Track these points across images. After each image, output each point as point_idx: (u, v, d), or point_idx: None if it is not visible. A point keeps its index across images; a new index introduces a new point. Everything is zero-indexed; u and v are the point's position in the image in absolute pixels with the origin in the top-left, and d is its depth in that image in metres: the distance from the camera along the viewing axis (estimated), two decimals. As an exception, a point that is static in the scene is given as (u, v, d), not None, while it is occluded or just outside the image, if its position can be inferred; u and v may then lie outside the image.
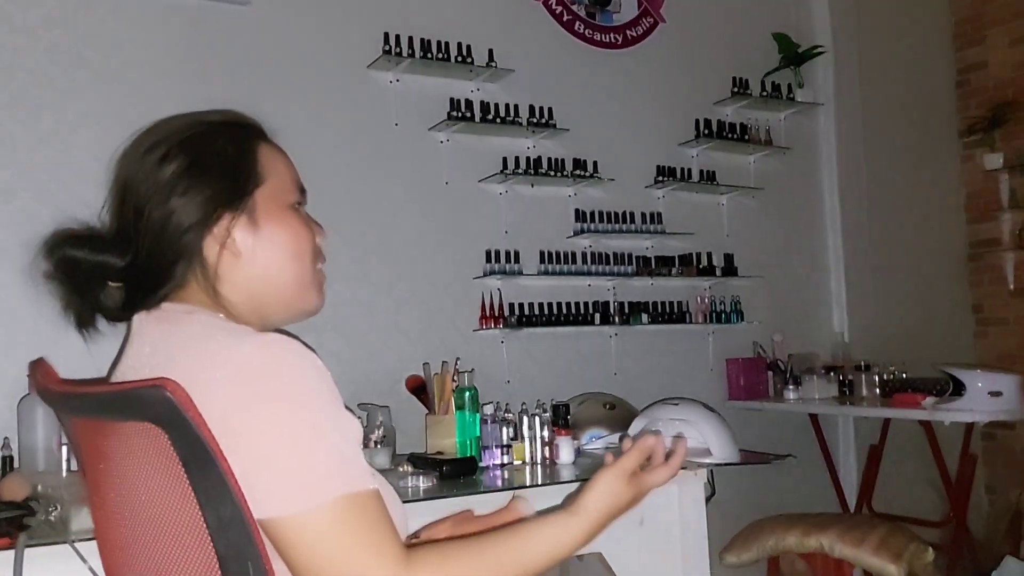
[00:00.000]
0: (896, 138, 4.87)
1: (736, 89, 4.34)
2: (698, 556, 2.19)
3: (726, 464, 2.26)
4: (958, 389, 3.31)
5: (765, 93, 4.41)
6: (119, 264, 1.10)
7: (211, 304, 1.11)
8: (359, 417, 2.52)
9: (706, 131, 4.23)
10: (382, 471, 1.98)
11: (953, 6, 5.21)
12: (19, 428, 2.35)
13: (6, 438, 2.46)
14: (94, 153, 2.85)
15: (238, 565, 0.94)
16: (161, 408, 0.93)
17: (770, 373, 4.28)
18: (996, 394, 3.22)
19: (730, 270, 4.24)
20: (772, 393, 4.26)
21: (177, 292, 1.11)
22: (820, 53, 4.54)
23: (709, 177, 4.25)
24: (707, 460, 2.24)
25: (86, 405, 1.10)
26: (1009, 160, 4.83)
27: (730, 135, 4.29)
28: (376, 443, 2.08)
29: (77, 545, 1.57)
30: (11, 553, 1.55)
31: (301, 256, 1.17)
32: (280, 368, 0.96)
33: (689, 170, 4.20)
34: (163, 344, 1.04)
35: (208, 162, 1.12)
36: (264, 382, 0.95)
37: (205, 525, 0.95)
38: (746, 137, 4.34)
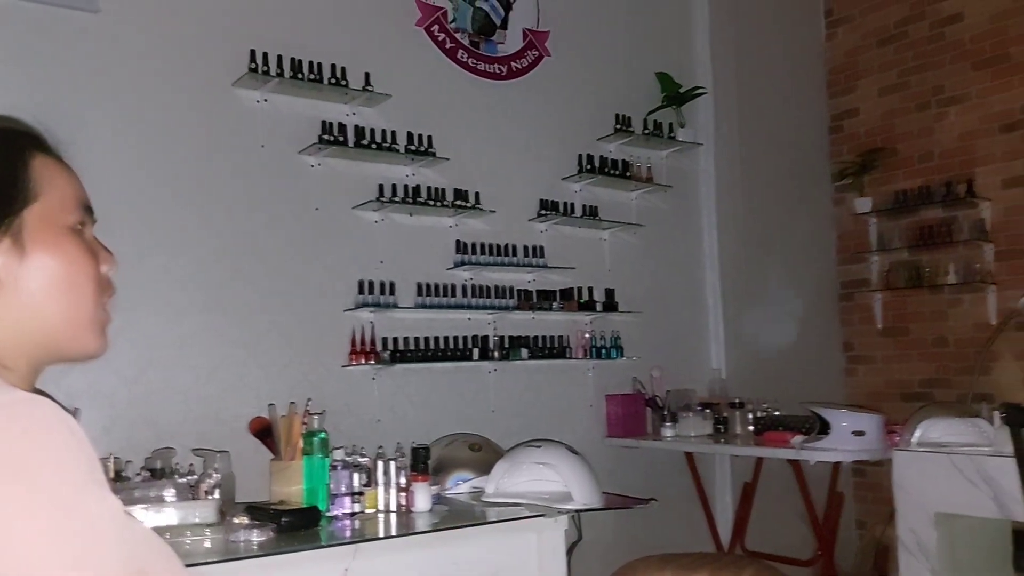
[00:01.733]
0: (773, 180, 4.99)
1: (619, 126, 4.36)
2: (558, 607, 2.10)
3: (586, 510, 2.18)
4: (824, 428, 3.35)
5: (647, 131, 4.45)
6: None
7: None
8: (160, 460, 2.31)
9: (589, 166, 4.22)
10: (209, 524, 1.82)
11: (827, 56, 5.41)
12: None
13: None
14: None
15: None
16: None
17: (648, 409, 4.27)
18: (859, 433, 3.27)
19: (611, 305, 4.23)
20: (650, 430, 4.24)
21: None
22: (701, 94, 4.62)
23: (591, 212, 4.23)
24: (567, 506, 2.16)
25: None
26: (877, 204, 5.02)
27: (613, 171, 4.30)
28: (206, 493, 1.91)
29: None
30: None
31: (76, 287, 1.00)
32: (22, 435, 0.81)
33: (572, 204, 4.18)
34: None
35: None
36: (5, 455, 0.80)
37: None
38: (628, 174, 4.36)
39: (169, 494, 1.82)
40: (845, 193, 5.23)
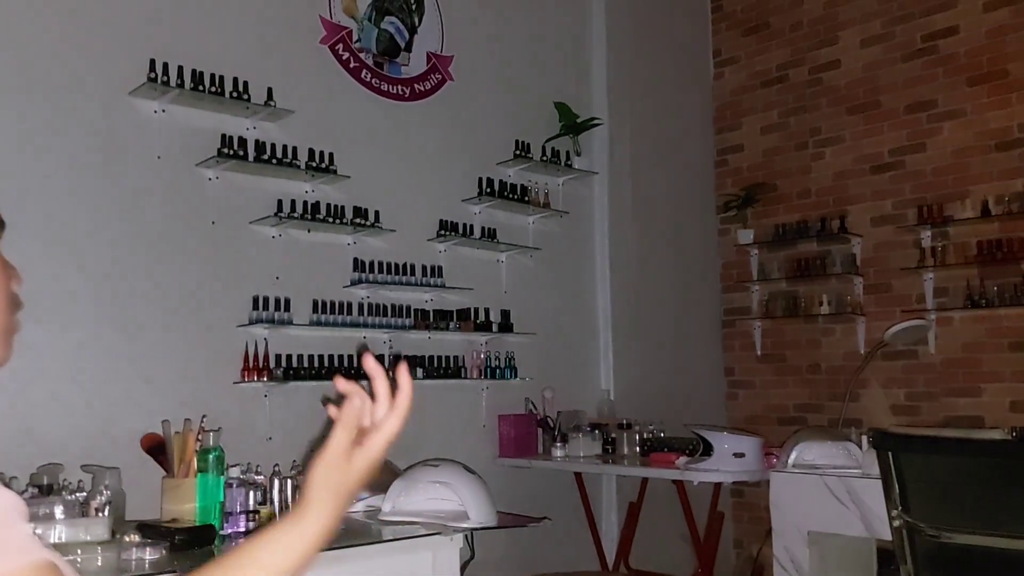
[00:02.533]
0: (663, 210, 5.20)
1: (518, 152, 4.46)
2: (451, 625, 2.13)
3: (482, 528, 2.23)
4: (707, 449, 3.50)
5: (545, 158, 4.57)
6: None
7: None
8: (47, 476, 2.24)
9: (488, 190, 4.29)
10: (100, 543, 1.77)
11: (715, 92, 5.68)
12: None
13: None
14: None
15: None
16: None
17: (540, 430, 4.35)
18: (740, 455, 3.44)
19: (506, 326, 4.30)
20: (541, 450, 4.32)
21: None
22: (596, 124, 4.78)
23: (490, 234, 4.30)
24: (464, 524, 2.20)
25: None
26: (759, 236, 5.29)
27: (511, 195, 4.39)
28: (97, 511, 1.85)
29: None
30: None
31: None
32: None
33: (471, 226, 4.24)
34: None
35: None
36: None
37: None
38: (526, 198, 4.46)
39: (58, 511, 1.76)
40: (730, 224, 5.49)
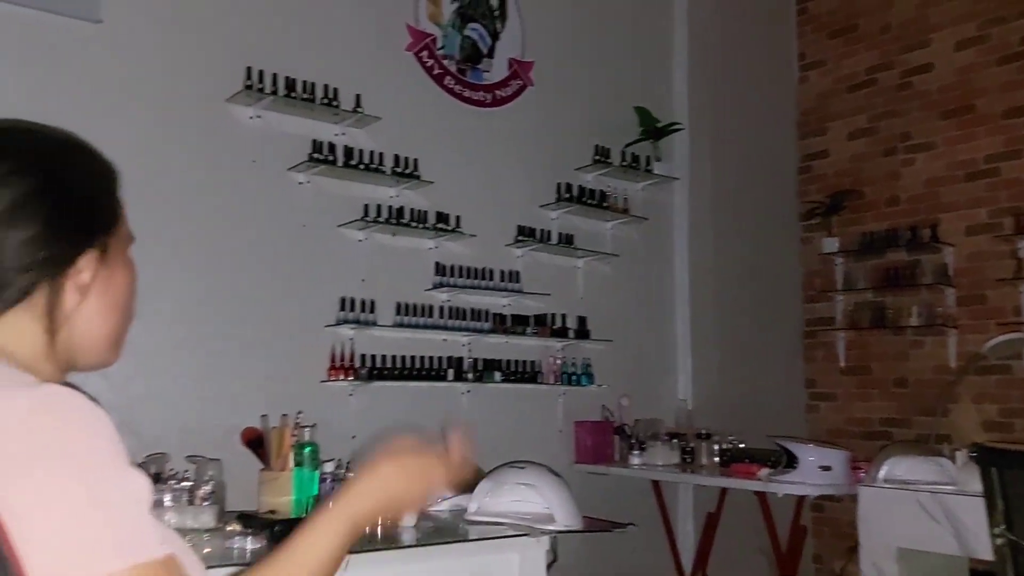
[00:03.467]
0: (743, 216, 5.12)
1: (598, 157, 4.45)
2: (537, 626, 2.13)
3: (568, 531, 2.23)
4: (791, 462, 3.43)
5: (625, 163, 4.55)
6: None
7: (12, 343, 0.97)
8: (181, 472, 2.33)
9: (567, 195, 4.30)
10: (207, 531, 1.83)
11: (799, 97, 5.58)
12: None
13: None
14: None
15: None
16: None
17: (616, 437, 4.33)
18: (826, 468, 3.36)
19: (583, 332, 4.29)
20: (617, 457, 4.30)
21: None
22: (677, 129, 4.74)
23: (567, 240, 4.31)
24: (550, 526, 2.20)
25: None
26: (844, 245, 5.17)
27: (590, 201, 4.39)
28: (203, 500, 1.92)
29: None
30: None
31: (125, 309, 1.05)
32: (59, 422, 0.85)
33: (549, 232, 4.25)
34: None
35: (70, 189, 0.98)
36: (36, 443, 0.83)
37: None
38: (605, 204, 4.44)
39: (167, 499, 1.83)
40: (813, 233, 5.38)
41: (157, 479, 2.08)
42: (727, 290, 4.96)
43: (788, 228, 5.47)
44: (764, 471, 3.58)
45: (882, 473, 3.07)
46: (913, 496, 2.91)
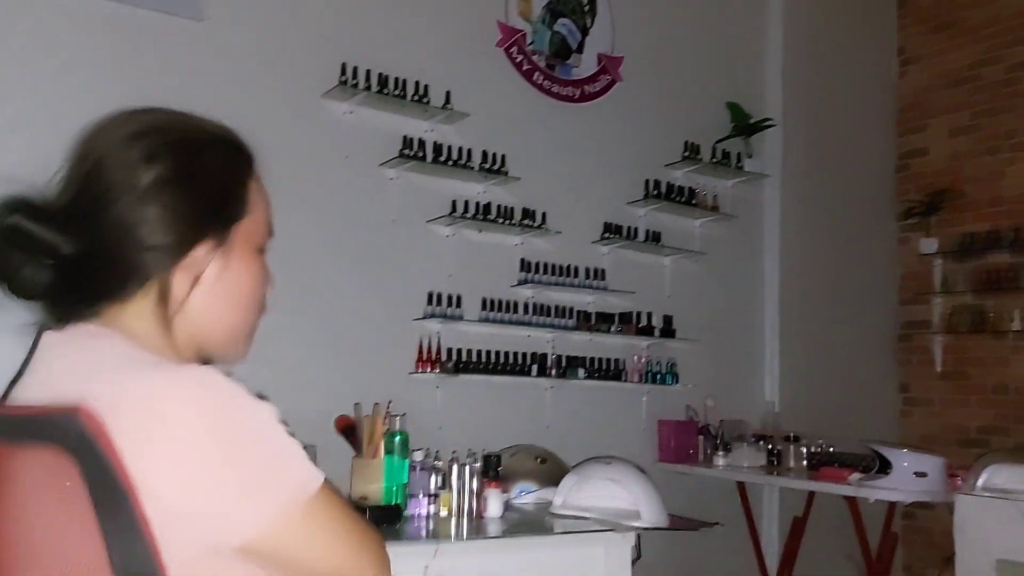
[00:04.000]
0: (837, 216, 4.99)
1: (687, 153, 4.40)
2: (620, 622, 2.14)
3: (654, 529, 2.22)
4: (884, 467, 3.33)
5: (715, 160, 4.49)
6: (65, 249, 0.98)
7: (142, 329, 1.01)
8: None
9: (655, 192, 4.26)
10: (300, 514, 1.89)
11: (898, 93, 5.40)
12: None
13: None
14: (23, 156, 2.73)
15: None
16: (73, 437, 0.84)
17: (701, 437, 4.28)
18: (921, 475, 3.25)
19: (668, 331, 4.26)
20: (701, 458, 4.25)
21: (111, 309, 1.01)
22: (770, 126, 4.65)
23: (654, 238, 4.27)
24: (636, 523, 2.20)
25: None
26: (943, 246, 4.99)
27: (678, 198, 4.34)
28: (297, 484, 1.98)
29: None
30: None
31: (252, 304, 1.06)
32: (231, 409, 0.89)
33: (636, 229, 4.22)
34: (69, 370, 0.95)
35: (200, 178, 1.01)
36: (198, 410, 0.88)
37: (111, 568, 0.86)
38: (694, 201, 4.39)
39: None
40: (910, 233, 5.21)
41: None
42: (818, 291, 4.84)
43: (884, 228, 5.30)
44: (855, 476, 3.49)
45: (981, 481, 2.96)
46: (1014, 506, 2.79)
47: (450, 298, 3.61)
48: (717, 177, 4.58)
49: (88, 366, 0.94)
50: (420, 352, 3.54)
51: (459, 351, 3.63)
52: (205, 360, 1.10)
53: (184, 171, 1.01)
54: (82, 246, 0.97)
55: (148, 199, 0.98)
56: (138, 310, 1.01)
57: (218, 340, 1.07)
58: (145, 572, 0.85)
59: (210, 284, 1.03)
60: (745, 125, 4.58)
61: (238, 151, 1.09)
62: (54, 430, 0.87)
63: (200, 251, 1.00)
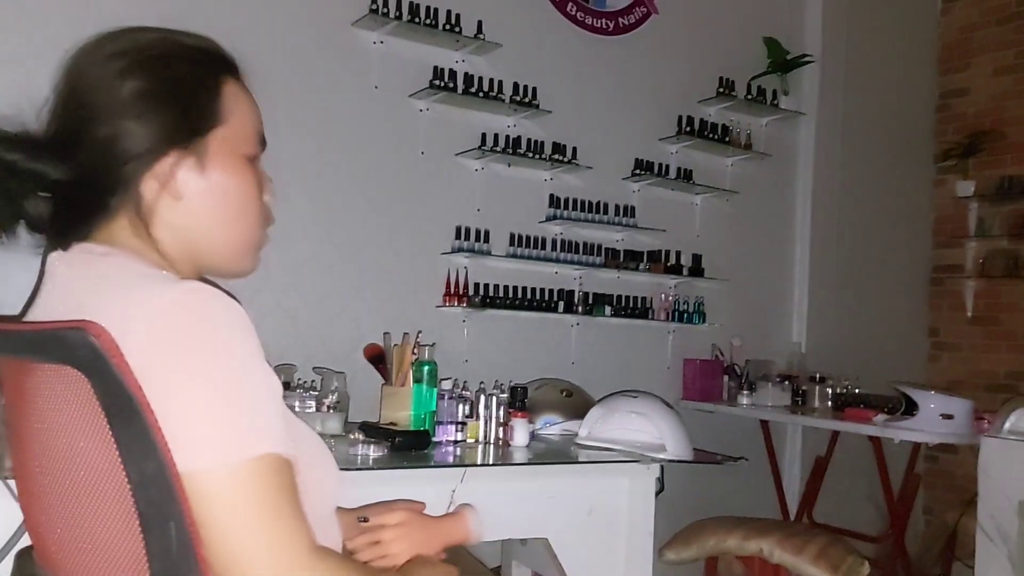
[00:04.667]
0: (873, 156, 4.90)
1: (722, 89, 4.32)
2: (643, 550, 2.18)
3: (679, 461, 2.24)
4: (910, 408, 3.33)
5: (750, 96, 4.40)
6: (53, 175, 1.00)
7: (138, 245, 1.03)
8: (308, 383, 2.46)
9: (688, 129, 4.20)
10: (333, 437, 1.93)
11: (941, 30, 5.24)
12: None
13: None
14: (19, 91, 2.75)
15: (159, 524, 0.88)
16: (84, 352, 0.87)
17: (726, 377, 4.29)
18: (948, 417, 3.25)
19: (697, 270, 4.23)
20: (725, 397, 4.26)
21: (104, 227, 1.03)
22: (808, 62, 4.54)
23: (686, 175, 4.22)
24: (661, 456, 2.22)
25: (6, 343, 1.02)
26: (980, 189, 4.89)
27: (711, 135, 4.27)
28: (329, 408, 2.03)
29: (10, 483, 1.49)
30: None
31: (243, 213, 1.07)
32: (202, 318, 0.90)
33: (667, 166, 4.17)
34: (77, 290, 0.96)
35: (167, 89, 1.02)
36: (185, 331, 0.89)
37: (126, 479, 0.89)
38: (727, 139, 4.32)
39: (296, 405, 1.94)
40: (947, 175, 5.10)
41: (287, 387, 2.21)
42: (850, 232, 4.78)
43: (921, 169, 5.20)
44: (880, 417, 3.49)
45: (1008, 424, 2.94)
46: (1041, 450, 2.78)
47: (478, 232, 3.60)
48: (752, 115, 4.50)
49: (93, 283, 0.96)
50: (447, 286, 3.55)
51: (486, 286, 3.64)
52: (211, 275, 1.11)
53: (154, 83, 1.02)
54: (69, 169, 0.99)
55: (123, 113, 1.00)
56: (126, 225, 1.03)
57: (215, 253, 1.07)
58: (158, 485, 0.88)
59: (192, 194, 1.03)
60: (782, 61, 4.47)
61: (212, 61, 1.09)
62: (65, 346, 0.89)
63: (168, 160, 1.01)
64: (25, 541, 1.37)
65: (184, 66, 1.04)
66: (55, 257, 1.02)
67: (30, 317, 1.03)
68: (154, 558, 0.89)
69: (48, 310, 0.99)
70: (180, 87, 1.03)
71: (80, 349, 0.87)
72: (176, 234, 1.04)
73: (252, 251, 1.11)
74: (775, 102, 4.48)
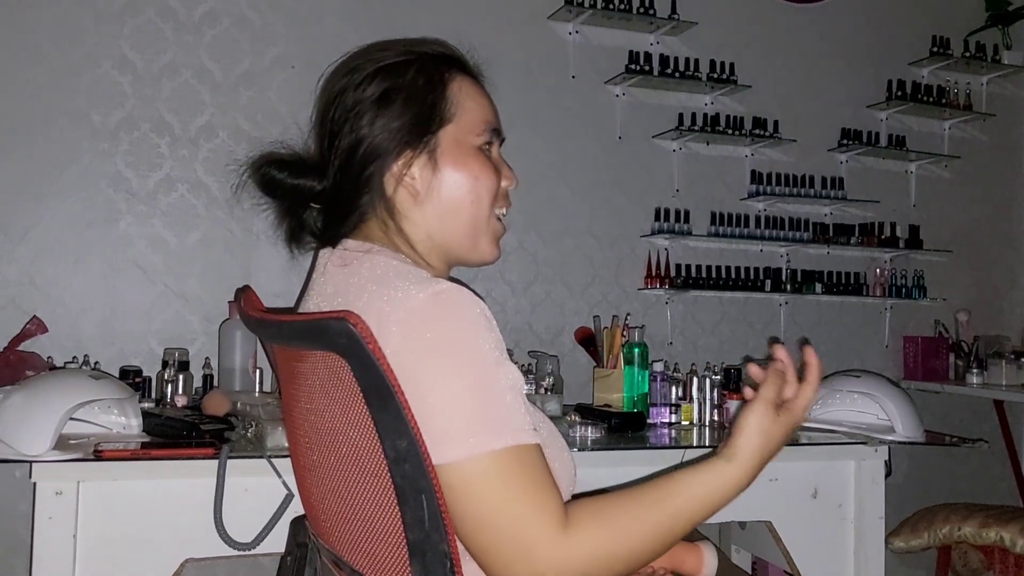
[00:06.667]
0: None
1: (935, 48, 4.02)
2: (873, 536, 2.09)
3: (911, 443, 2.13)
4: None
5: (967, 54, 4.06)
6: (316, 188, 1.13)
7: (391, 242, 1.12)
8: (523, 367, 2.55)
9: (899, 93, 3.95)
10: (552, 418, 1.99)
11: None
12: (219, 350, 2.52)
13: (207, 358, 2.65)
14: (285, 95, 3.00)
15: (413, 497, 0.95)
16: (344, 339, 0.95)
17: (952, 355, 4.01)
18: None
19: (915, 243, 3.98)
20: (953, 376, 3.98)
21: (360, 226, 1.13)
22: (1035, 10, 4.14)
23: (898, 143, 3.98)
24: (890, 437, 2.12)
25: (279, 333, 1.15)
26: None
27: (925, 98, 3.99)
28: (547, 390, 2.10)
29: (273, 460, 1.66)
30: (215, 462, 1.66)
31: (476, 201, 1.13)
32: (451, 317, 0.96)
33: (876, 134, 3.95)
34: (343, 286, 1.06)
35: (398, 94, 1.11)
36: (435, 330, 0.95)
37: (383, 456, 0.97)
38: (943, 101, 4.02)
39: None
40: None
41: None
42: (1092, 193, 4.32)
43: None
44: None
45: None
46: None
47: (678, 213, 3.58)
48: (970, 73, 4.15)
49: (355, 280, 1.05)
50: (648, 268, 3.55)
51: (688, 267, 3.60)
52: (459, 264, 1.19)
53: (387, 90, 1.12)
54: (330, 180, 1.12)
55: (361, 121, 1.11)
56: (379, 223, 1.13)
57: (456, 244, 1.15)
58: (411, 461, 0.95)
59: (427, 190, 1.12)
60: (1003, 12, 4.10)
61: (437, 62, 1.18)
62: (328, 335, 0.98)
63: (402, 160, 1.10)
64: (295, 511, 1.53)
65: (410, 71, 1.14)
66: (325, 253, 1.14)
67: (302, 308, 1.15)
68: (410, 528, 0.97)
69: (318, 302, 1.10)
70: (406, 91, 1.12)
71: (341, 337, 0.96)
72: (420, 229, 1.13)
73: (486, 235, 1.17)
74: (996, 58, 4.12)
